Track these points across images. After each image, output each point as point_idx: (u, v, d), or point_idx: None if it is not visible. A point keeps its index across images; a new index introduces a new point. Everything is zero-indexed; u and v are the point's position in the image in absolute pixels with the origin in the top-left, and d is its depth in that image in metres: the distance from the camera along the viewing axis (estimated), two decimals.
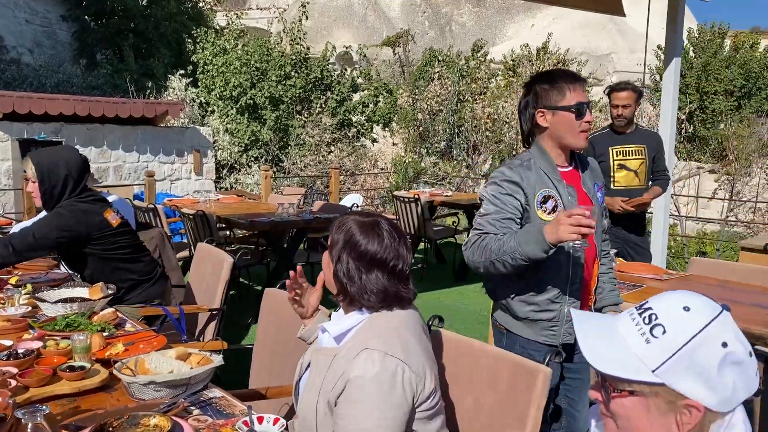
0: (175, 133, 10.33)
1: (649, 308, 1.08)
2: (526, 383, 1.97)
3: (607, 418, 1.12)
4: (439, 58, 15.89)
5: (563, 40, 18.26)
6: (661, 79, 20.20)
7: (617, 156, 4.37)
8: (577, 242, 1.90)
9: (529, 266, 2.07)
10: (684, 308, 1.05)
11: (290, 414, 2.10)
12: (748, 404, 1.19)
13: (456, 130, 13.06)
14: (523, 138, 2.33)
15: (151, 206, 5.92)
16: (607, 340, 1.09)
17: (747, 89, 18.33)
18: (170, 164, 10.13)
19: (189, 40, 13.05)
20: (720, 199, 10.02)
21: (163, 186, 9.82)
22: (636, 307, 1.11)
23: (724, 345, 1.01)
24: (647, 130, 4.66)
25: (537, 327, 2.22)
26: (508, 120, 11.49)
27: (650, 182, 4.39)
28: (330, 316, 1.95)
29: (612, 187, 4.31)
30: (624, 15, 5.51)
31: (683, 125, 13.85)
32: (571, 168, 2.28)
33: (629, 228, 4.31)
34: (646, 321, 1.06)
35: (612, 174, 4.33)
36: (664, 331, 1.03)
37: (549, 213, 2.15)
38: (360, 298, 1.73)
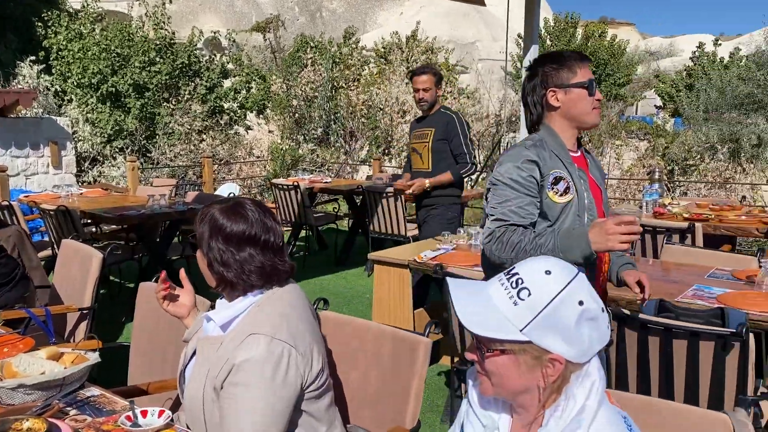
0: (29, 124, 9.53)
1: (516, 273, 1.18)
2: (409, 355, 2.06)
3: (483, 377, 1.21)
4: (311, 44, 15.81)
5: (431, 28, 18.81)
6: (522, 66, 21.35)
7: (413, 140, 4.63)
8: (624, 252, 1.93)
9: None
10: (546, 272, 1.16)
11: (175, 407, 2.05)
12: (602, 354, 1.33)
13: (332, 117, 13.09)
14: (531, 124, 2.21)
15: (5, 203, 5.46)
16: (481, 305, 1.19)
17: (597, 75, 19.88)
18: (24, 158, 9.35)
19: (39, 24, 12.04)
20: None
21: (18, 182, 9.05)
22: (504, 273, 1.22)
23: (581, 303, 1.13)
24: (446, 112, 4.55)
25: None
26: (382, 107, 11.70)
27: (443, 166, 4.44)
28: (213, 306, 1.93)
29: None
30: (484, 4, 5.74)
31: None
32: (579, 153, 2.20)
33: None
34: (514, 285, 1.17)
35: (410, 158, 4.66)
36: (530, 294, 1.14)
37: (561, 195, 2.04)
38: (239, 280, 1.72)
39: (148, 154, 11.85)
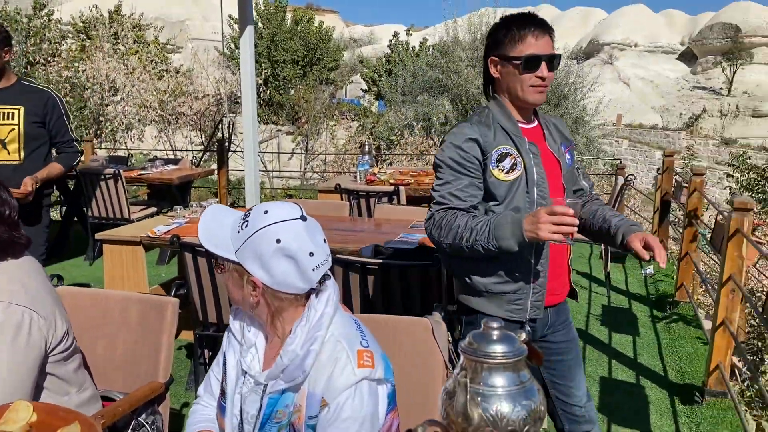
0: None
1: (251, 210, 1.42)
2: (157, 316, 2.16)
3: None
4: None
5: (137, 3, 17.73)
6: (236, 47, 21.21)
7: None
8: (559, 242, 1.73)
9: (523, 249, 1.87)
10: (264, 211, 1.40)
11: None
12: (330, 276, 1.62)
13: None
14: (483, 89, 2.10)
15: None
16: (218, 229, 1.43)
17: (309, 59, 20.84)
18: None
19: None
20: (299, 154, 11.42)
21: None
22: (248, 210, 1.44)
23: (278, 241, 1.36)
24: (39, 88, 3.47)
25: (500, 300, 1.96)
26: (90, 85, 10.77)
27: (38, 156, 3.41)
28: None
29: None
30: None
31: (261, 91, 15.08)
32: (534, 125, 2.03)
33: None
34: (243, 218, 1.41)
35: None
36: (247, 225, 1.39)
37: (507, 172, 1.89)
38: None
39: None
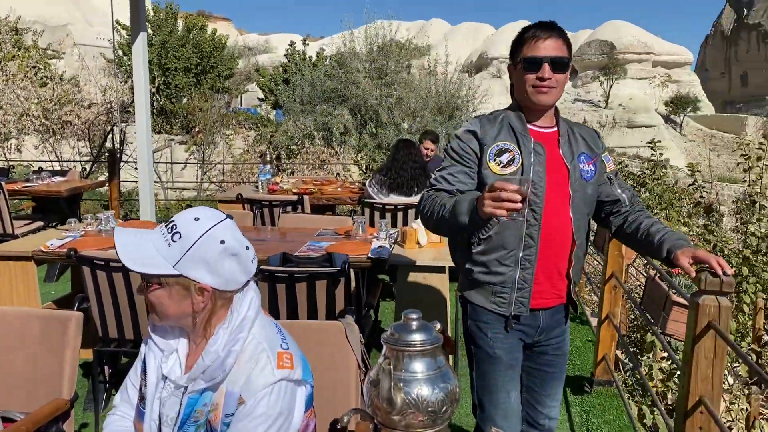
0: None
1: (173, 221, 1.42)
2: (59, 331, 2.08)
3: (151, 308, 1.43)
4: None
5: (14, 4, 16.59)
6: (125, 54, 20.25)
7: None
8: (504, 218, 1.71)
9: (478, 227, 1.92)
10: (195, 218, 1.42)
11: None
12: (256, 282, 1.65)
13: None
14: (510, 93, 2.14)
15: None
16: (142, 249, 1.40)
17: (202, 67, 20.33)
18: None
19: None
20: (194, 164, 11.14)
21: None
22: (164, 224, 1.44)
23: (222, 242, 1.41)
24: None
25: (486, 292, 2.02)
26: None
27: None
28: None
29: None
30: None
31: (153, 99, 14.56)
32: (552, 130, 2.05)
33: None
34: (170, 230, 1.41)
35: None
36: (181, 236, 1.39)
37: (503, 166, 1.94)
38: None
39: None
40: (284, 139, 11.76)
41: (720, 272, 1.81)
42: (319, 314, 2.90)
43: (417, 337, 1.01)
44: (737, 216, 6.08)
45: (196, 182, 10.60)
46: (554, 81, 1.92)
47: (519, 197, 1.63)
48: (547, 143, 1.99)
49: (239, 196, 5.12)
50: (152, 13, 20.39)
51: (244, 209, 4.97)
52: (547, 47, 1.90)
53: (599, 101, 45.36)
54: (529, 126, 2.00)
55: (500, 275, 1.97)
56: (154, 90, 13.73)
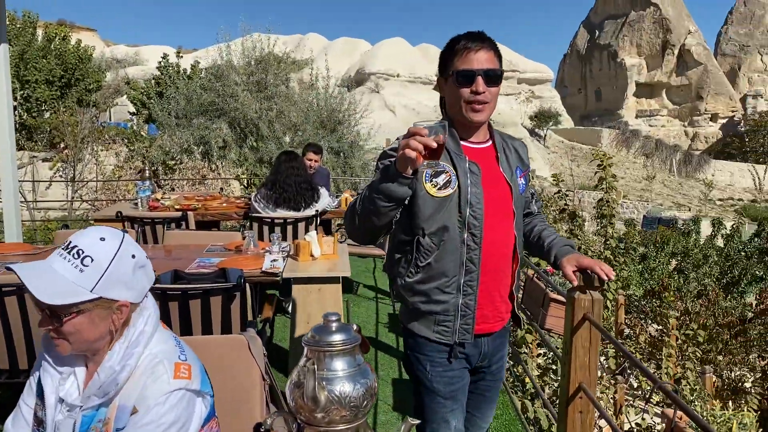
0: None
1: (75, 246, 1.39)
2: None
3: (61, 341, 1.38)
4: None
5: None
6: None
7: None
8: (427, 168, 1.63)
9: (414, 246, 1.84)
10: (100, 239, 1.40)
11: None
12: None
13: None
14: (440, 107, 2.02)
15: None
16: (50, 280, 1.35)
17: (67, 80, 19.09)
18: None
19: None
20: (60, 181, 10.41)
21: None
22: (62, 247, 1.40)
23: (133, 257, 1.43)
24: None
25: (429, 321, 1.91)
26: None
27: None
28: None
29: None
30: None
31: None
32: (487, 145, 1.96)
33: None
34: (76, 256, 1.37)
35: None
36: (92, 260, 1.37)
37: (440, 188, 1.82)
38: None
39: None
40: (160, 155, 11.32)
41: (604, 277, 1.87)
42: (214, 331, 2.86)
43: (337, 338, 1.06)
44: (597, 220, 6.62)
45: (66, 201, 9.93)
46: (488, 95, 1.83)
47: (429, 140, 1.53)
48: (484, 160, 1.90)
49: (119, 214, 4.90)
50: (7, 22, 18.85)
51: (124, 227, 4.76)
52: (480, 59, 1.81)
53: None
54: (462, 143, 1.89)
55: (442, 303, 1.87)
56: (15, 104, 12.70)
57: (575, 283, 1.94)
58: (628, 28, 55.77)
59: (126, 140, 13.35)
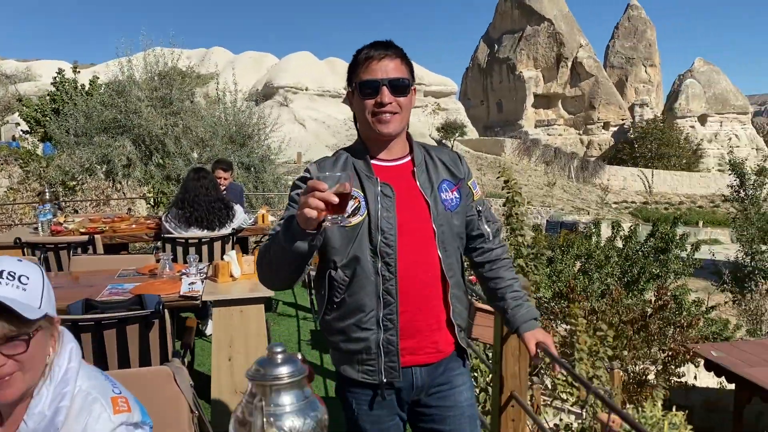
0: None
1: (2, 270, 1.28)
2: None
3: (12, 379, 1.25)
4: None
5: None
6: None
7: None
8: (327, 224, 1.46)
9: (327, 282, 1.69)
10: (18, 260, 1.33)
11: None
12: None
13: None
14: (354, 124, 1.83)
15: None
16: (10, 302, 1.23)
17: None
18: None
19: None
20: None
21: None
22: None
23: (42, 273, 1.36)
24: None
25: (353, 362, 1.74)
26: None
27: None
28: None
29: None
30: None
31: None
32: (404, 161, 1.78)
33: None
34: (11, 278, 1.28)
35: None
36: (28, 278, 1.30)
37: (349, 216, 1.64)
38: None
39: None
40: (58, 175, 10.68)
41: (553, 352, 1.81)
42: (132, 362, 2.71)
43: (284, 370, 1.02)
44: (506, 227, 6.84)
45: None
46: (396, 105, 1.68)
47: (335, 198, 1.39)
48: (399, 178, 1.74)
49: (18, 241, 4.56)
50: None
51: (24, 255, 4.44)
52: (384, 68, 1.67)
53: None
54: (375, 162, 1.75)
55: (362, 341, 1.70)
56: None
57: (533, 354, 1.83)
58: (525, 42, 58.31)
59: (20, 160, 12.52)
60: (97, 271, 3.79)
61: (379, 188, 1.70)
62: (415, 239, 1.71)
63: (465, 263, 1.86)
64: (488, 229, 1.88)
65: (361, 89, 1.68)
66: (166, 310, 2.78)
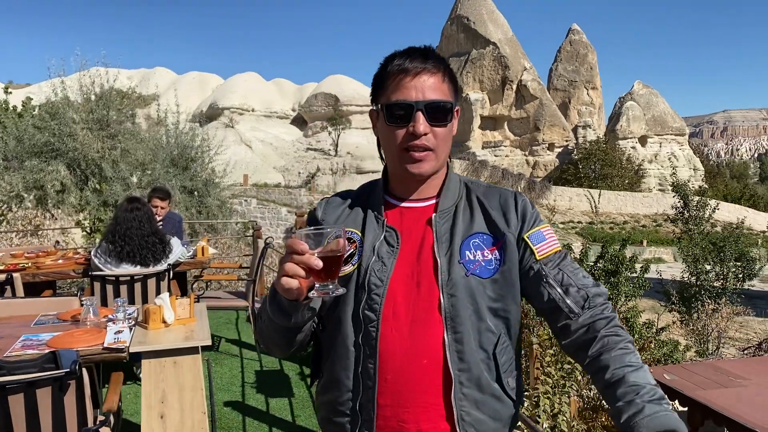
0: None
1: None
2: None
3: None
4: None
5: None
6: None
7: None
8: (313, 293, 1.15)
9: (314, 341, 1.40)
10: None
11: None
12: None
13: None
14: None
15: None
16: None
17: None
18: None
19: None
20: None
21: None
22: None
23: None
24: None
25: None
26: None
27: None
28: None
29: None
30: None
31: None
32: (430, 203, 1.37)
33: None
34: None
35: None
36: None
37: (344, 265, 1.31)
38: None
39: None
40: None
41: None
42: None
43: None
44: None
45: None
46: (431, 138, 1.29)
47: (318, 262, 1.10)
48: (416, 225, 1.34)
49: None
50: None
51: None
52: (421, 86, 1.27)
53: (329, 150, 47.89)
54: (391, 199, 1.38)
55: (339, 417, 1.31)
56: None
57: None
58: (471, 65, 59.33)
59: None
60: (10, 318, 3.38)
61: (383, 234, 1.33)
62: (414, 308, 1.28)
63: (523, 352, 1.38)
64: (568, 300, 1.30)
65: (389, 113, 1.29)
66: (84, 369, 2.42)
